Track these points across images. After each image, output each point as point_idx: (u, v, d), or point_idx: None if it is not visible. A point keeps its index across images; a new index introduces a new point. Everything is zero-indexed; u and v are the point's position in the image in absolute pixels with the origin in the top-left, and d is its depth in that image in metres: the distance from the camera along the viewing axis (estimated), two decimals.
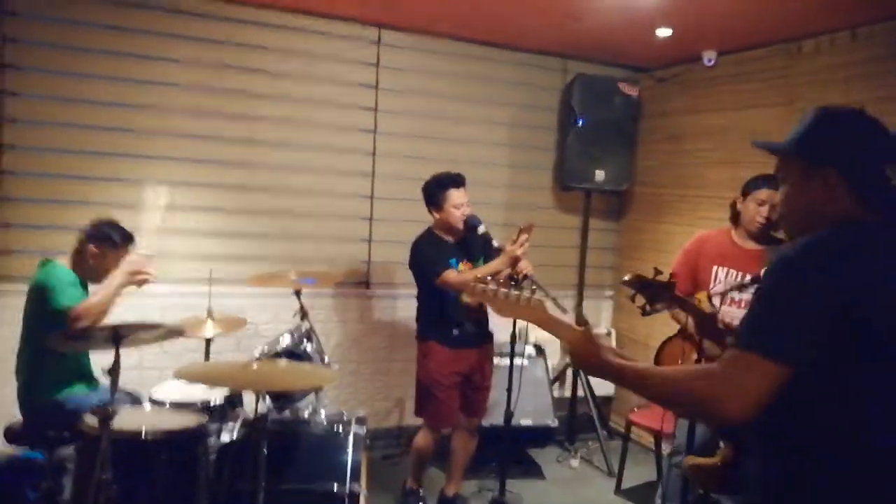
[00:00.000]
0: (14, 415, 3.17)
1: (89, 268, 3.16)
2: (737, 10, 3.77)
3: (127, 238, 3.23)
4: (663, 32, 4.30)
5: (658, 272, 2.72)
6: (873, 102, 3.72)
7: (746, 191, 3.19)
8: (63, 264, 3.13)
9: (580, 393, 5.10)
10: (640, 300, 2.72)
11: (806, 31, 4.07)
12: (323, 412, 3.22)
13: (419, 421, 3.79)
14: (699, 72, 4.79)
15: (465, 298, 3.49)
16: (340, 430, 3.09)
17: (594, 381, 4.96)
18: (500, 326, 3.86)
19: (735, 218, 3.26)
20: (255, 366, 2.63)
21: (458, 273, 3.51)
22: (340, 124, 4.62)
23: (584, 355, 1.55)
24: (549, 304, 1.68)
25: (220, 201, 4.35)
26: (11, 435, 3.12)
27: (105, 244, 3.15)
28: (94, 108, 4.04)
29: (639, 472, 4.42)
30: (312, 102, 4.52)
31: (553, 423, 4.58)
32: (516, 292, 1.66)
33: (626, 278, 2.80)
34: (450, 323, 3.62)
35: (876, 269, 1.33)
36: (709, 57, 4.60)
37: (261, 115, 4.41)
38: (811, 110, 1.54)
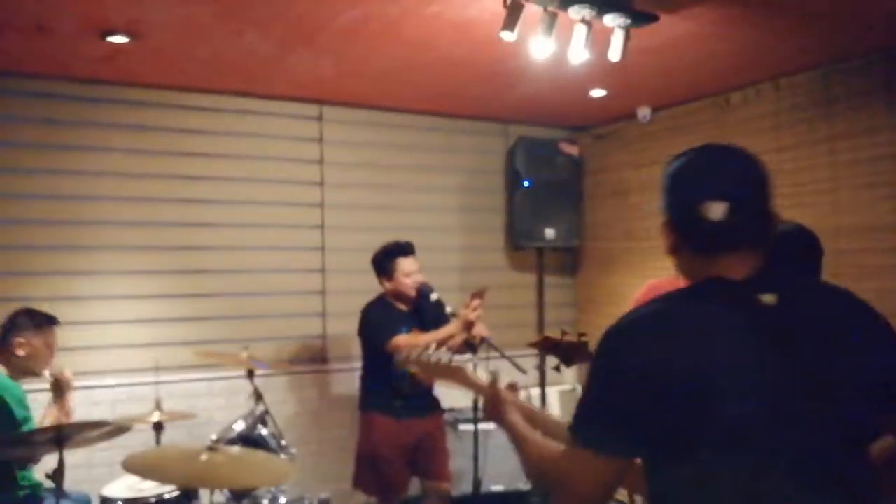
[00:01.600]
0: None
1: (22, 362, 3.07)
2: (665, 70, 3.93)
3: (49, 319, 3.17)
4: (597, 93, 4.45)
5: (564, 332, 2.75)
6: (803, 146, 3.91)
7: None
8: (1, 372, 3.02)
9: None
10: (555, 360, 2.75)
11: (732, 84, 4.27)
12: (283, 499, 3.11)
13: None
14: (636, 127, 4.95)
15: (412, 370, 3.47)
16: None
17: None
18: (462, 394, 3.82)
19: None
20: (204, 456, 2.53)
21: (408, 337, 3.49)
22: (287, 201, 4.62)
23: (490, 410, 1.62)
24: (469, 368, 1.79)
25: (164, 287, 4.27)
26: None
27: (28, 332, 3.07)
28: (28, 202, 3.97)
29: None
30: (257, 181, 4.53)
31: (526, 485, 4.49)
32: (442, 359, 1.77)
33: (532, 342, 2.84)
34: (394, 393, 3.58)
35: (686, 344, 1.19)
36: (643, 113, 4.76)
37: (204, 198, 4.39)
38: None
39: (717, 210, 1.24)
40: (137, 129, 4.22)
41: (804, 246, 2.21)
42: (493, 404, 1.62)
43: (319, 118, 4.71)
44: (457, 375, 1.75)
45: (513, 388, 1.70)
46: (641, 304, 1.29)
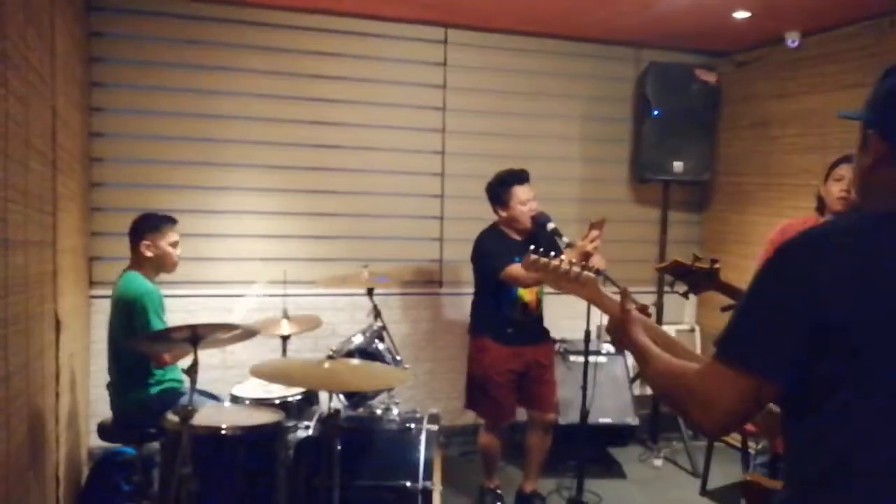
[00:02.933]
0: (108, 412, 3.34)
1: (153, 262, 3.28)
2: None
3: (168, 220, 3.34)
4: (741, 15, 4.11)
5: (697, 258, 2.63)
6: None
7: (827, 173, 3.03)
8: (135, 273, 3.26)
9: None
10: (682, 287, 2.63)
11: (890, 5, 3.81)
12: (396, 410, 3.24)
13: None
14: (782, 54, 4.55)
15: (526, 296, 3.46)
16: (413, 428, 3.10)
17: None
18: (574, 324, 3.80)
19: (821, 206, 3.09)
20: (326, 364, 2.68)
21: (521, 266, 3.46)
22: (409, 125, 4.66)
23: (616, 329, 1.51)
24: (600, 281, 1.65)
25: (292, 205, 4.47)
26: (104, 432, 3.29)
27: (151, 234, 3.26)
28: (172, 119, 4.23)
29: (725, 472, 4.24)
30: (381, 105, 4.58)
31: (634, 421, 4.46)
32: (567, 266, 1.64)
33: (662, 265, 2.71)
34: (505, 320, 3.60)
35: (867, 278, 1.11)
36: (792, 38, 4.36)
37: (331, 120, 4.50)
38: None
39: None
40: (269, 50, 4.36)
41: None
42: (620, 323, 1.50)
43: (444, 41, 4.67)
44: (586, 288, 1.63)
45: (644, 310, 1.63)
46: (829, 220, 1.20)
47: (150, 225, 3.29)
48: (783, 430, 1.25)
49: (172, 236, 3.32)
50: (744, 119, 4.97)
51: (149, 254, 3.26)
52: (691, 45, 5.01)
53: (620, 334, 1.50)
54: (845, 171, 2.93)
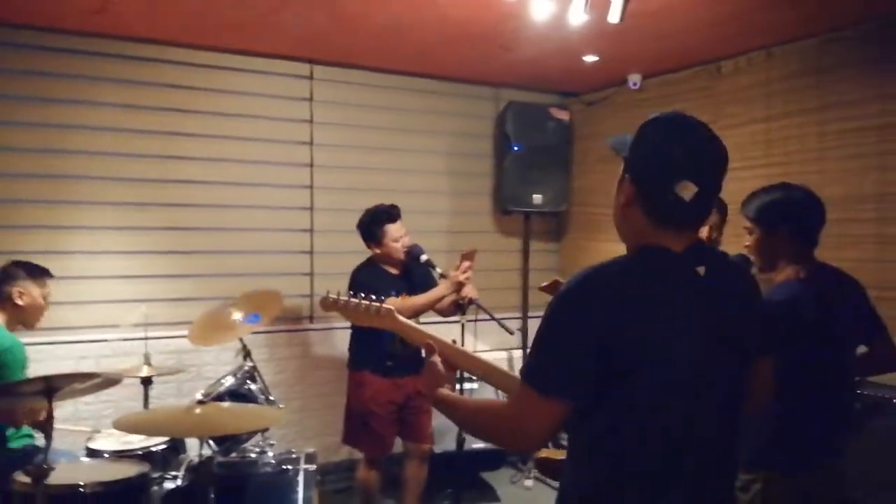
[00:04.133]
0: None
1: (20, 312, 3.10)
2: (658, 35, 3.92)
3: (45, 271, 3.21)
4: (590, 59, 4.43)
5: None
6: (793, 115, 3.94)
7: None
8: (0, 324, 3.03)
9: None
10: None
11: (724, 52, 4.28)
12: (270, 452, 3.14)
13: None
14: (626, 95, 4.95)
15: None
16: (290, 469, 3.02)
17: None
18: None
19: None
20: (197, 410, 2.56)
21: (399, 301, 3.51)
22: (277, 160, 4.59)
23: (427, 381, 1.67)
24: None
25: (153, 243, 4.25)
26: None
27: (26, 282, 3.10)
28: (18, 155, 3.92)
29: None
30: (247, 140, 4.49)
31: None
32: (366, 301, 1.74)
33: (544, 284, 2.84)
34: (384, 353, 3.61)
35: (634, 309, 1.31)
36: (633, 81, 4.76)
37: (195, 155, 4.35)
38: None
39: (689, 192, 1.34)
40: (127, 83, 4.16)
41: (820, 210, 2.26)
42: (430, 375, 1.66)
43: (310, 77, 4.66)
44: (386, 319, 1.75)
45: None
46: (595, 266, 1.38)
47: (27, 272, 3.13)
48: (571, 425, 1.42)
49: (47, 290, 3.18)
50: (593, 154, 5.33)
51: (20, 302, 3.07)
52: (547, 86, 5.33)
53: (429, 385, 1.64)
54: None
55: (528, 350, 1.41)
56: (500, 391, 1.73)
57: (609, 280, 1.34)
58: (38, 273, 3.16)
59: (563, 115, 5.23)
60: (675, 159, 1.38)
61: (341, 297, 1.74)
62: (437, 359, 1.67)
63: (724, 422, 1.42)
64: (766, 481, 2.15)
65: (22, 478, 2.48)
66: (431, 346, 1.69)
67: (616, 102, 5.14)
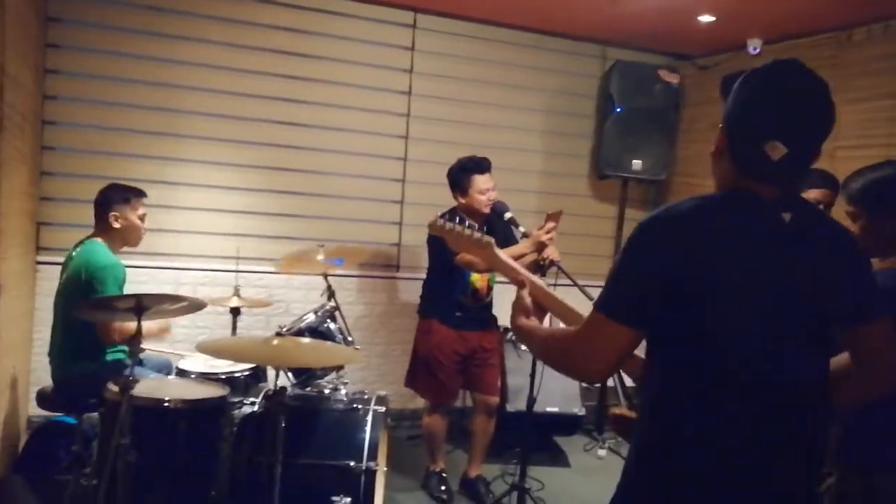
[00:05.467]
0: (48, 381, 3.27)
1: (120, 234, 3.23)
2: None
3: (138, 192, 3.30)
4: (706, 19, 4.18)
5: None
6: None
7: None
8: (101, 242, 3.20)
9: (610, 382, 5.02)
10: None
11: (857, 18, 3.92)
12: (344, 390, 3.24)
13: None
14: (744, 60, 4.64)
15: (477, 283, 3.53)
16: (360, 409, 3.10)
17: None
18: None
19: None
20: (275, 341, 2.67)
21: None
22: (374, 107, 4.63)
23: (514, 311, 1.66)
24: (495, 247, 1.77)
25: (249, 181, 4.41)
26: (44, 400, 3.22)
27: (121, 205, 3.21)
28: (130, 87, 4.14)
29: None
30: (346, 85, 4.55)
31: (580, 411, 4.53)
32: (469, 230, 1.78)
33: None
34: (455, 304, 3.65)
35: (708, 246, 1.31)
36: (753, 45, 4.46)
37: (295, 97, 4.45)
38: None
39: (777, 152, 1.33)
40: (235, 23, 4.29)
41: None
42: (516, 306, 1.66)
43: (413, 25, 4.65)
44: (484, 251, 1.77)
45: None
46: (680, 200, 1.37)
47: (120, 196, 3.24)
48: (644, 369, 1.46)
49: (141, 209, 3.29)
50: (703, 121, 5.06)
51: (117, 225, 3.20)
52: (657, 46, 5.08)
53: (514, 312, 1.66)
54: (817, 194, 2.89)
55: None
56: None
57: (685, 216, 1.35)
58: (133, 195, 3.26)
59: (673, 79, 4.98)
60: (766, 117, 1.36)
61: (447, 224, 1.81)
62: (526, 293, 1.67)
63: (803, 378, 1.37)
64: (841, 478, 2.03)
65: (112, 387, 2.67)
66: (523, 281, 1.70)
67: (732, 68, 4.81)
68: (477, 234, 1.77)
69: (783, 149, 1.32)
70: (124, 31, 4.10)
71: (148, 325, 2.86)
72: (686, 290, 1.30)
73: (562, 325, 1.62)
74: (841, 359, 1.50)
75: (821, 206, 2.92)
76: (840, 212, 3.02)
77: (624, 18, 4.37)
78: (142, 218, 3.29)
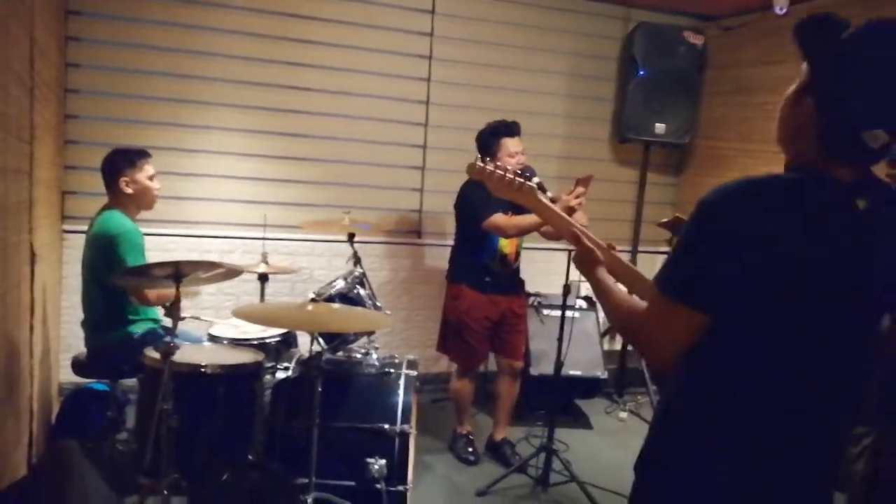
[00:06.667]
0: (81, 347, 3.31)
1: (134, 199, 3.19)
2: None
3: (142, 153, 3.24)
4: None
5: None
6: None
7: None
8: (116, 211, 3.17)
9: (630, 346, 5.06)
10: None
11: None
12: (375, 354, 3.27)
13: None
14: (770, 21, 4.56)
15: (506, 248, 3.53)
16: (392, 373, 3.14)
17: None
18: (552, 279, 3.85)
19: None
20: (309, 307, 2.69)
21: (506, 218, 3.49)
22: (394, 72, 4.59)
23: (582, 262, 1.63)
24: (540, 193, 1.75)
25: (272, 148, 4.40)
26: (78, 367, 3.27)
27: (129, 169, 3.16)
28: (152, 54, 4.11)
29: None
30: (366, 49, 4.50)
31: (602, 374, 4.56)
32: (511, 175, 1.72)
33: (664, 220, 2.70)
34: (484, 270, 3.67)
35: (777, 230, 1.21)
36: (780, 5, 4.37)
37: (315, 63, 4.41)
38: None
39: (878, 141, 1.21)
40: None
41: None
42: (585, 258, 1.63)
43: None
44: (527, 196, 1.73)
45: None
46: (745, 178, 1.28)
47: (126, 160, 3.18)
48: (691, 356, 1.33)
49: (149, 170, 3.23)
50: (728, 84, 5.00)
51: (129, 190, 3.16)
52: (681, 6, 5.00)
53: (586, 266, 1.62)
54: None
55: (671, 253, 1.35)
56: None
57: (755, 197, 1.24)
58: (138, 157, 3.20)
59: (697, 40, 4.90)
60: (874, 101, 1.21)
61: (487, 167, 1.74)
62: (588, 242, 1.64)
63: (855, 359, 1.34)
64: (878, 437, 2.05)
65: (153, 353, 2.71)
66: (577, 234, 1.66)
67: (758, 29, 4.76)
68: (518, 180, 1.72)
69: (885, 137, 1.21)
70: None
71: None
72: (753, 269, 1.22)
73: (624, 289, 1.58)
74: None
75: None
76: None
77: None
78: (151, 178, 3.22)
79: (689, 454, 1.34)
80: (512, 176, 1.72)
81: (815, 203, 1.25)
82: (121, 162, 3.18)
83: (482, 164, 1.75)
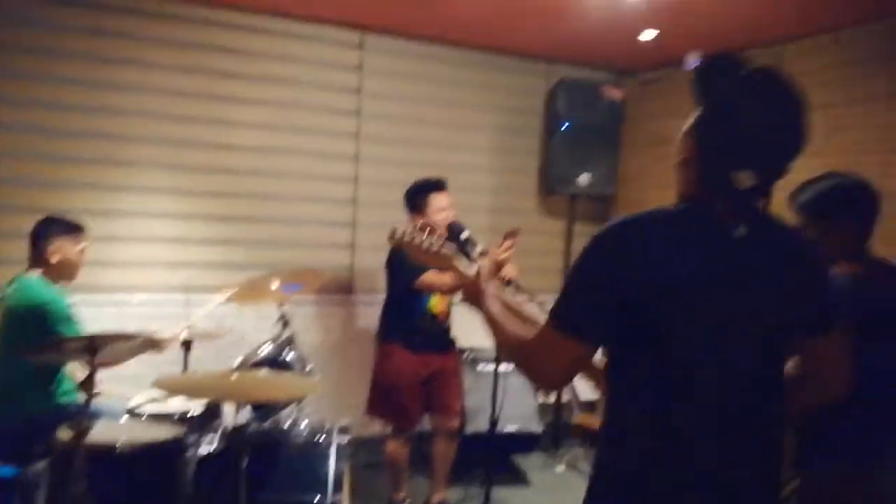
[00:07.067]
0: None
1: (57, 269, 3.08)
2: (721, 14, 3.77)
3: (79, 226, 3.16)
4: (648, 34, 4.28)
5: None
6: (858, 103, 3.75)
7: None
8: (38, 277, 3.04)
9: (565, 399, 5.06)
10: None
11: (790, 34, 4.09)
12: (305, 422, 3.16)
13: None
14: (683, 74, 4.75)
15: (437, 306, 3.51)
16: (322, 440, 3.03)
17: (579, 387, 4.93)
18: (483, 333, 3.82)
19: None
20: (234, 376, 2.58)
21: (437, 274, 3.47)
22: (323, 129, 4.57)
23: (470, 296, 1.67)
24: (456, 257, 1.77)
25: (198, 208, 4.28)
26: None
27: (60, 238, 3.07)
28: (70, 113, 3.97)
29: None
30: (294, 107, 4.47)
31: (538, 429, 4.54)
32: (428, 241, 1.75)
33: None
34: (415, 328, 3.63)
35: (658, 261, 1.29)
36: (693, 60, 4.57)
37: (241, 120, 4.35)
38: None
39: (746, 182, 1.29)
40: (178, 45, 4.17)
41: (873, 200, 2.14)
42: (474, 291, 1.66)
43: (360, 46, 4.62)
44: (444, 262, 1.77)
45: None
46: (635, 213, 1.36)
47: (60, 229, 3.09)
48: (607, 379, 1.44)
49: (82, 243, 3.14)
50: (646, 136, 5.18)
51: (54, 260, 3.05)
52: (601, 63, 5.19)
53: (475, 301, 1.66)
54: None
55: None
56: None
57: (637, 229, 1.33)
58: (72, 229, 3.12)
59: (617, 95, 5.09)
60: (741, 142, 1.29)
61: (406, 233, 1.75)
62: (486, 272, 1.68)
63: (758, 388, 1.36)
64: (803, 480, 2.08)
65: (64, 433, 2.53)
66: (462, 275, 1.69)
67: (672, 83, 4.97)
68: (435, 245, 1.74)
69: (752, 179, 1.29)
70: (62, 56, 3.93)
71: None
72: (636, 302, 1.29)
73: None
74: (791, 366, 1.52)
75: None
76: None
77: (568, 36, 4.45)
78: (81, 252, 3.15)
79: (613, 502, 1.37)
80: (430, 242, 1.74)
81: (694, 232, 1.33)
82: (54, 229, 3.08)
83: (402, 231, 1.77)
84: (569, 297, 1.37)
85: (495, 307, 1.61)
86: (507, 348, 1.55)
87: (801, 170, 2.66)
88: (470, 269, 1.74)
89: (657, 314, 1.29)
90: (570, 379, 1.42)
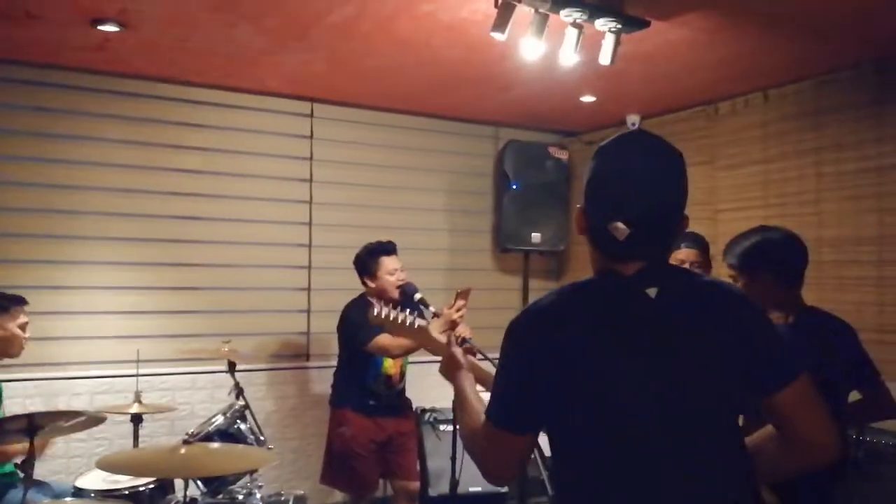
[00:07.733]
0: None
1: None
2: (655, 77, 3.95)
3: (18, 299, 3.13)
4: (587, 99, 4.46)
5: None
6: (790, 157, 3.94)
7: None
8: None
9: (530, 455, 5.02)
10: None
11: (722, 93, 4.30)
12: (259, 494, 3.08)
13: None
14: None
15: (390, 369, 3.54)
16: None
17: (544, 442, 4.92)
18: (447, 392, 3.81)
19: None
20: (182, 450, 2.52)
21: (390, 338, 3.47)
22: (275, 197, 4.60)
23: (446, 368, 1.75)
24: (432, 328, 2.07)
25: (148, 279, 4.24)
26: None
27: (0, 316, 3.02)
28: (18, 190, 3.94)
29: None
30: (246, 176, 4.51)
31: (503, 488, 4.48)
32: (402, 316, 1.93)
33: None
34: (368, 392, 3.60)
35: (575, 335, 1.30)
36: (632, 121, 4.78)
37: (193, 191, 4.36)
38: None
39: (621, 233, 1.31)
40: (127, 119, 4.19)
41: (801, 250, 2.23)
42: (449, 364, 1.74)
43: (310, 115, 4.70)
44: (420, 335, 1.95)
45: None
46: (545, 294, 1.40)
47: (2, 306, 3.04)
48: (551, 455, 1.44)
49: (23, 318, 3.11)
50: None
51: None
52: (545, 125, 5.37)
53: (448, 375, 1.73)
54: (684, 254, 3.02)
55: None
56: None
57: (549, 310, 1.36)
58: (12, 303, 3.09)
59: (562, 154, 5.25)
60: (608, 197, 1.34)
61: (384, 312, 1.91)
62: (458, 351, 1.75)
63: (705, 450, 1.30)
64: None
65: None
66: (449, 349, 1.79)
67: None
68: (409, 320, 1.93)
69: (626, 229, 1.29)
70: (7, 133, 3.92)
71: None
72: (561, 383, 1.29)
73: None
74: (756, 437, 1.45)
75: (691, 266, 2.99)
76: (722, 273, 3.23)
77: (513, 102, 4.61)
78: (23, 327, 3.10)
79: None
80: (402, 317, 1.93)
81: (605, 301, 1.35)
82: None
83: (379, 311, 1.91)
84: (498, 395, 1.38)
85: (467, 385, 1.64)
86: (462, 437, 1.55)
87: (742, 221, 2.77)
88: (441, 338, 1.88)
89: (584, 390, 1.29)
90: (517, 469, 1.43)
